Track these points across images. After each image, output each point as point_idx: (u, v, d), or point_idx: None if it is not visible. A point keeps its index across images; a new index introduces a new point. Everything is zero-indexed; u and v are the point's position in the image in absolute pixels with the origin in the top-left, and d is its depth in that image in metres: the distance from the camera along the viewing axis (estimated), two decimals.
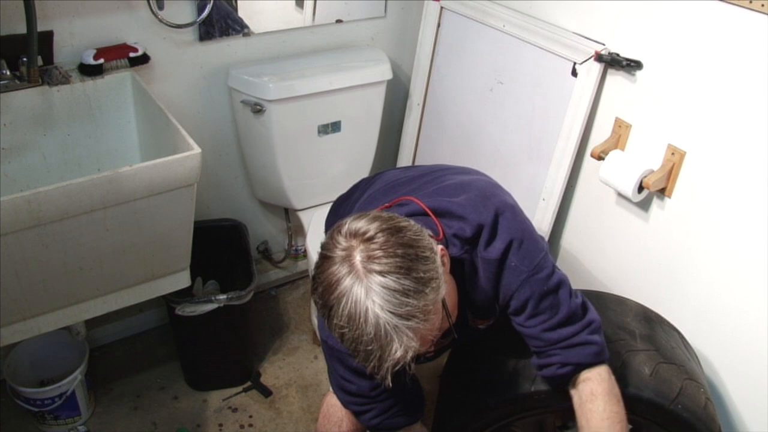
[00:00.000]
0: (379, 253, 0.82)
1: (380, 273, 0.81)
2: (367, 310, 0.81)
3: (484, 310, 1.12)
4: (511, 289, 1.04)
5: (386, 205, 1.08)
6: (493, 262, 1.02)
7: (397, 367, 0.83)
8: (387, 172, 1.30)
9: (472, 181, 1.12)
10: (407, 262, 0.83)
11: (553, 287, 1.04)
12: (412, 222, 0.90)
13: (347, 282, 0.82)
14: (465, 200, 1.05)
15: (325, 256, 0.86)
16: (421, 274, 0.83)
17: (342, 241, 0.85)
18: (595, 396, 1.02)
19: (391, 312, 0.80)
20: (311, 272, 0.91)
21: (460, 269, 1.05)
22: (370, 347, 0.82)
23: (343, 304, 0.82)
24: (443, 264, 0.91)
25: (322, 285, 0.86)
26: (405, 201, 1.06)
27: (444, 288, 0.88)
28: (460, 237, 1.02)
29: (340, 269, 0.83)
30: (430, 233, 0.93)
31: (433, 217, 1.03)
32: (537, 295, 1.03)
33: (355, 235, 0.85)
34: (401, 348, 0.81)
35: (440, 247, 0.92)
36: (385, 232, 0.85)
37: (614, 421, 1.00)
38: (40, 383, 1.69)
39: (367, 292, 0.81)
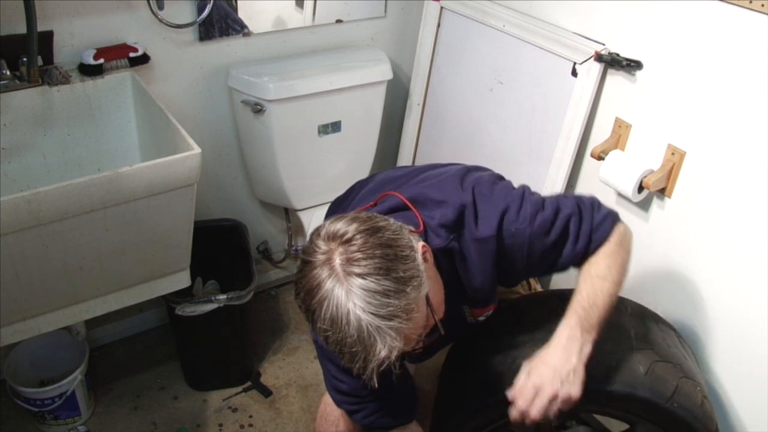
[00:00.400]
0: (358, 255, 0.83)
1: (360, 275, 0.82)
2: (348, 312, 0.81)
3: (484, 296, 1.12)
4: (522, 252, 1.04)
5: (371, 203, 1.08)
6: (489, 239, 1.02)
7: (382, 367, 0.83)
8: (381, 173, 1.31)
9: (450, 168, 1.14)
10: (386, 262, 0.83)
11: (551, 218, 1.05)
12: (391, 221, 0.90)
13: (328, 285, 0.83)
14: (442, 184, 1.06)
15: (306, 261, 0.87)
16: (401, 274, 0.83)
17: (321, 245, 0.86)
18: (591, 263, 1.06)
19: (372, 313, 0.81)
20: None
21: (450, 260, 1.04)
22: (354, 349, 0.82)
23: (324, 307, 0.83)
24: (425, 260, 0.91)
25: (303, 290, 0.86)
26: (387, 197, 1.07)
27: (427, 285, 0.88)
28: (445, 225, 1.01)
29: (320, 273, 0.84)
30: (411, 228, 0.94)
31: (412, 208, 1.03)
32: (546, 237, 1.05)
33: (333, 237, 0.86)
34: (385, 348, 0.81)
35: (421, 243, 0.92)
36: (364, 234, 0.85)
37: (586, 296, 1.03)
38: (40, 383, 1.69)
39: (348, 295, 0.82)
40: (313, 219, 1.85)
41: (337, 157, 1.88)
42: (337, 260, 0.83)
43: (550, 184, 1.59)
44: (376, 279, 0.82)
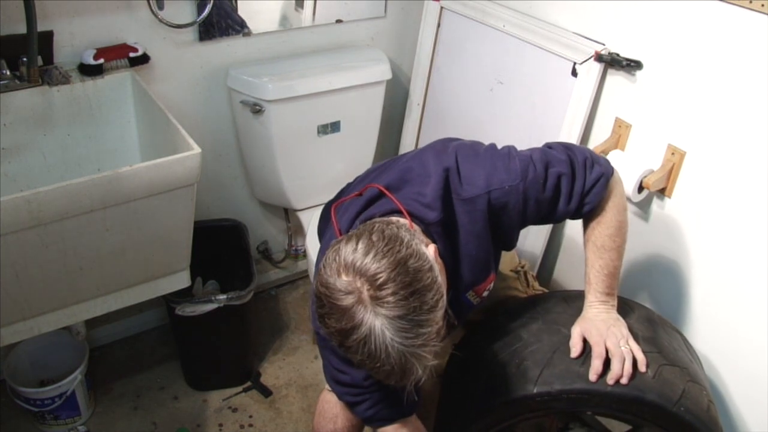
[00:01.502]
0: (392, 298, 0.83)
1: (396, 317, 0.83)
2: (387, 347, 0.83)
3: (482, 265, 1.12)
4: (518, 208, 1.06)
5: (356, 193, 1.09)
6: (476, 199, 1.03)
7: (420, 383, 0.87)
8: (368, 169, 1.31)
9: (430, 143, 1.15)
10: (419, 297, 0.84)
11: (542, 174, 1.06)
12: (404, 237, 0.88)
13: (365, 328, 0.83)
14: (423, 156, 1.07)
15: (333, 305, 0.85)
16: (430, 303, 0.85)
17: (346, 285, 0.84)
18: (594, 234, 1.13)
19: (410, 345, 0.83)
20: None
21: (447, 234, 1.05)
22: (392, 372, 0.85)
23: (362, 345, 0.84)
24: (436, 260, 0.91)
25: (335, 329, 0.86)
26: (368, 189, 1.07)
27: (445, 292, 0.89)
28: (439, 196, 1.02)
29: (354, 314, 0.84)
30: (404, 220, 0.96)
31: (389, 195, 1.02)
32: (540, 194, 1.06)
33: (360, 274, 0.84)
34: (422, 368, 0.85)
35: (432, 247, 0.92)
36: (394, 272, 0.84)
37: (600, 269, 1.13)
38: (40, 383, 1.69)
39: (384, 332, 0.83)
40: (313, 219, 1.84)
41: (337, 157, 1.88)
42: (369, 301, 0.83)
43: None
44: (412, 316, 0.83)
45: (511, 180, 1.04)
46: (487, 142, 1.11)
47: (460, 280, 1.11)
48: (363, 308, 0.83)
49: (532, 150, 1.11)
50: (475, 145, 1.11)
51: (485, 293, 1.19)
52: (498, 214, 1.06)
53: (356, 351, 0.85)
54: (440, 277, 0.88)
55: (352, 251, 0.86)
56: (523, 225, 1.12)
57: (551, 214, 1.12)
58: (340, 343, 0.87)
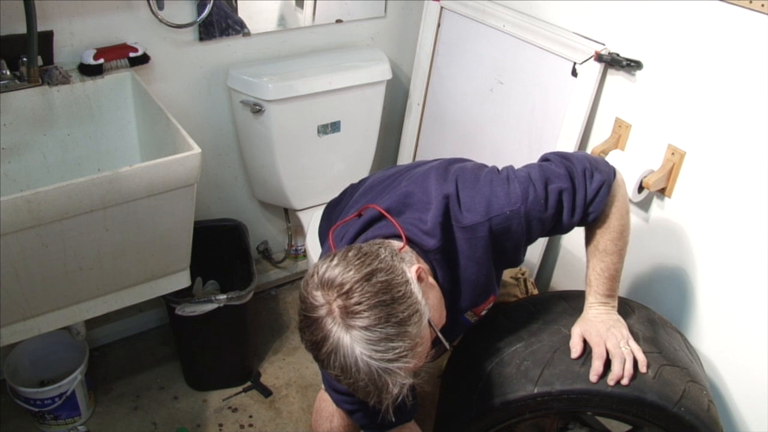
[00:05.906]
0: (357, 308, 0.85)
1: (363, 328, 0.85)
2: (357, 360, 0.85)
3: (482, 288, 1.12)
4: (522, 230, 1.05)
5: (355, 214, 1.09)
6: (476, 226, 1.03)
7: (397, 402, 0.87)
8: (372, 175, 1.30)
9: (432, 162, 1.14)
10: (386, 309, 0.85)
11: (543, 193, 1.06)
12: (382, 254, 0.91)
13: (333, 338, 0.86)
14: (426, 181, 1.07)
15: (307, 317, 0.89)
16: (401, 316, 0.86)
17: (319, 297, 0.88)
18: (597, 239, 1.13)
19: (380, 359, 0.84)
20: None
21: (447, 261, 1.05)
22: (367, 389, 0.86)
23: (333, 358, 0.86)
24: (421, 280, 0.92)
25: (309, 341, 0.90)
26: (367, 209, 1.07)
27: (427, 311, 0.90)
28: (440, 223, 1.02)
29: (324, 326, 0.87)
30: (399, 244, 0.96)
31: (391, 219, 1.03)
32: (542, 213, 1.06)
33: (329, 287, 0.88)
34: (396, 386, 0.85)
35: (414, 267, 0.93)
36: (360, 283, 0.87)
37: (601, 271, 1.14)
38: (40, 383, 1.69)
39: (353, 345, 0.85)
40: (313, 219, 1.85)
41: (337, 158, 1.88)
42: (338, 313, 0.86)
43: None
44: (379, 328, 0.84)
45: (511, 205, 1.04)
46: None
47: (459, 304, 1.12)
48: (332, 320, 0.86)
49: (530, 167, 1.11)
50: (476, 170, 1.10)
51: (484, 312, 1.19)
52: (501, 239, 1.06)
53: (329, 364, 0.87)
54: (419, 295, 0.89)
55: (327, 267, 0.90)
56: (529, 243, 1.12)
57: (556, 228, 1.11)
58: (315, 357, 0.90)
